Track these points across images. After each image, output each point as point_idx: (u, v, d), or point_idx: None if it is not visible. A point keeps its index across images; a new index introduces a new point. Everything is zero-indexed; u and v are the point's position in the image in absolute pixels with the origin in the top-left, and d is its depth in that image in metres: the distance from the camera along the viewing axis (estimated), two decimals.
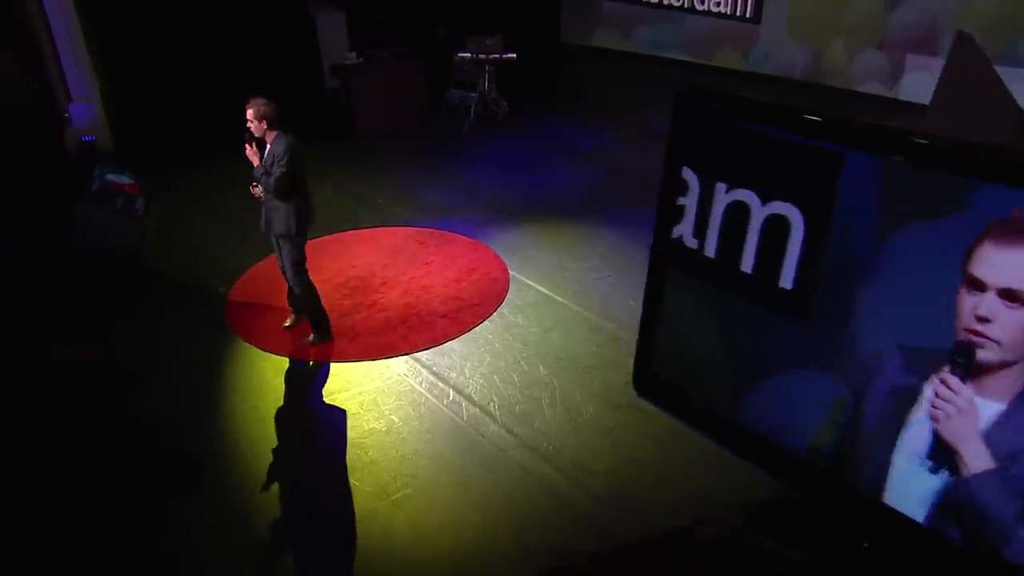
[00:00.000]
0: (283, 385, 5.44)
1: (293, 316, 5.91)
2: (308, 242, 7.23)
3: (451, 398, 5.18)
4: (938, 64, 9.25)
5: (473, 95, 9.59)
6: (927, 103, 9.26)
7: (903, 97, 9.64)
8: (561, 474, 4.52)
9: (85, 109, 9.20)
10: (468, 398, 5.16)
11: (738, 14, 10.01)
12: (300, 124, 10.07)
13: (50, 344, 5.61)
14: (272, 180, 5.18)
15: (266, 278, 6.66)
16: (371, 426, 4.96)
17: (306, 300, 5.66)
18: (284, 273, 5.65)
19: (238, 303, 6.37)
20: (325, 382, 5.45)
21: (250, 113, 5.14)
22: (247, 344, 5.84)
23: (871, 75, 9.86)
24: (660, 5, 11.08)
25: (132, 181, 7.64)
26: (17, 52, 7.98)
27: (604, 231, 7.23)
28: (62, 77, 8.98)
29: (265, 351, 5.75)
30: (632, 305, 6.02)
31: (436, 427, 4.94)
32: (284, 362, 5.66)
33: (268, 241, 5.67)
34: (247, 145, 5.23)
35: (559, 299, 6.22)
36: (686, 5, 10.59)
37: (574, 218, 7.52)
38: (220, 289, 6.58)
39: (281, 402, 5.27)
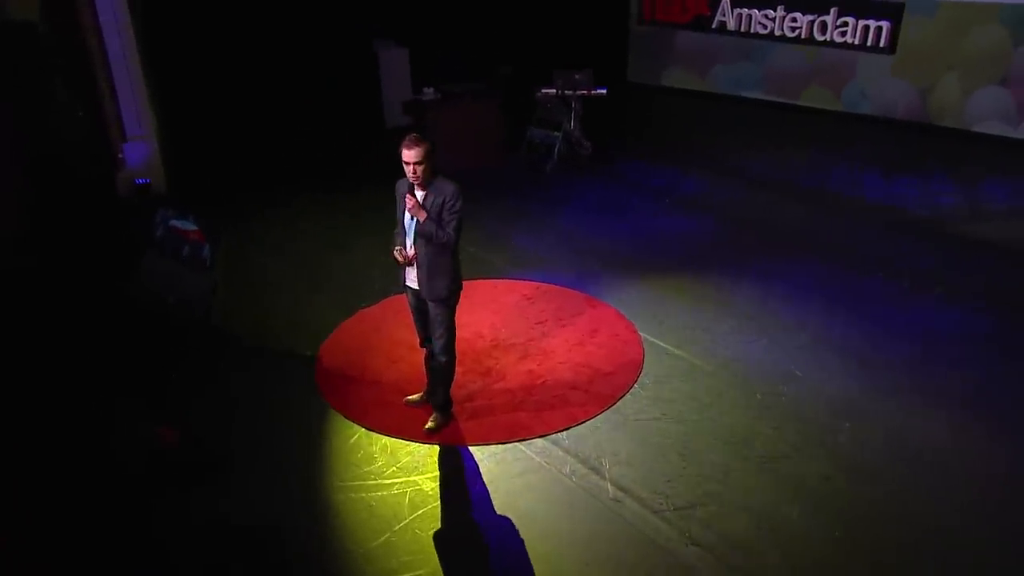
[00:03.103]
0: (399, 473, 4.51)
1: (425, 393, 4.98)
2: (393, 298, 6.46)
3: (610, 494, 4.24)
4: None
5: (557, 134, 8.82)
6: None
7: None
8: None
9: (140, 149, 8.45)
10: (631, 494, 4.22)
11: (869, 44, 9.24)
12: (365, 164, 9.65)
13: (128, 419, 4.72)
14: (446, 232, 4.31)
15: (359, 339, 5.80)
16: (515, 524, 4.03)
17: (449, 373, 4.77)
18: (425, 342, 4.79)
19: (330, 370, 5.47)
20: (449, 471, 4.53)
21: (414, 154, 4.22)
22: (348, 421, 4.93)
23: (991, 114, 9.05)
24: (779, 38, 10.22)
25: (197, 228, 6.88)
26: (73, 85, 7.25)
27: (739, 287, 6.33)
28: (117, 114, 8.26)
29: (372, 431, 4.84)
30: (799, 376, 5.13)
31: (597, 531, 4.01)
32: (394, 444, 4.75)
33: (400, 302, 4.82)
34: (408, 196, 4.33)
35: (708, 367, 5.29)
36: (803, 36, 9.82)
37: (698, 271, 6.63)
38: (306, 352, 5.70)
39: (402, 495, 4.34)
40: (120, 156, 8.44)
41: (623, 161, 9.24)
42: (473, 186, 8.65)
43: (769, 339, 5.57)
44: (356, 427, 4.87)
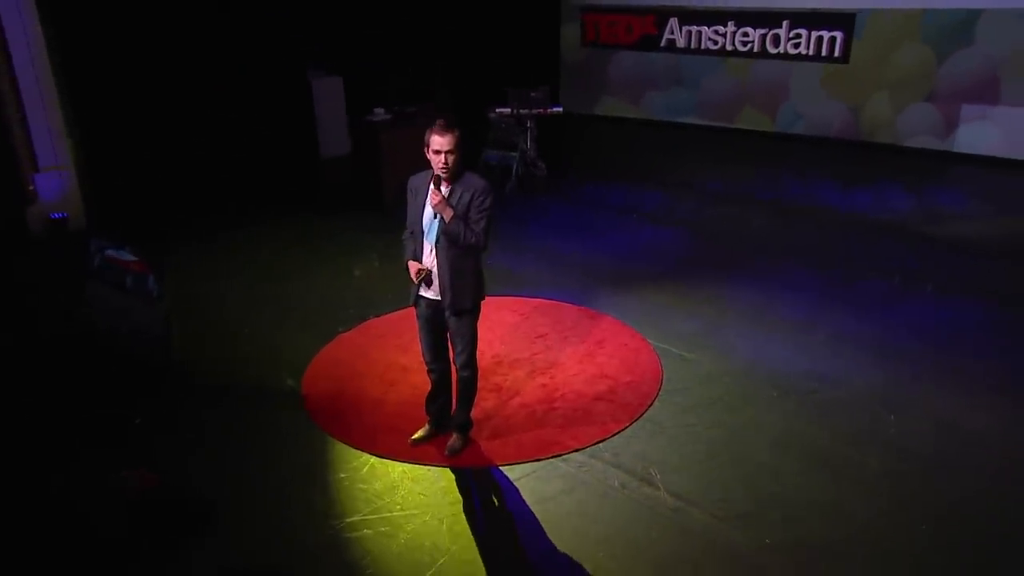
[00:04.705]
0: (427, 500, 3.96)
1: (429, 426, 4.43)
2: (383, 317, 5.93)
3: (669, 505, 3.84)
4: (999, 112, 9.07)
5: (514, 154, 8.56)
6: (987, 153, 9.09)
7: (958, 149, 9.27)
8: None
9: (55, 180, 7.57)
10: (691, 502, 3.84)
11: (824, 54, 9.47)
12: (301, 193, 9.05)
13: (93, 472, 3.96)
14: (475, 232, 3.80)
15: (346, 365, 5.24)
16: (576, 544, 3.57)
17: (473, 389, 4.28)
18: (434, 362, 4.24)
19: (323, 399, 4.86)
20: (485, 494, 4.03)
21: (448, 141, 3.70)
22: (354, 451, 4.34)
23: (921, 129, 9.46)
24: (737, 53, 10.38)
25: (135, 258, 6.14)
26: None
27: (734, 292, 6.14)
28: (28, 142, 7.38)
29: (386, 458, 4.27)
30: (827, 372, 4.94)
31: (664, 544, 3.61)
32: (413, 470, 4.20)
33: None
34: (433, 191, 3.79)
35: (729, 370, 5.02)
36: (755, 50, 10.00)
37: (687, 280, 6.41)
38: (286, 382, 5.07)
39: (438, 523, 3.79)
40: (31, 188, 7.53)
41: (576, 182, 9.06)
42: None
43: (783, 339, 5.38)
44: (365, 456, 4.30)
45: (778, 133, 10.50)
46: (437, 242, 3.89)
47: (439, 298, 3.99)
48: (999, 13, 8.66)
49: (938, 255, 6.72)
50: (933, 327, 5.49)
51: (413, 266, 3.99)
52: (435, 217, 3.85)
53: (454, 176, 3.82)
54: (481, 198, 3.82)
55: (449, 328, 4.09)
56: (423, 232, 3.94)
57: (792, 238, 7.25)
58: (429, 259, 3.95)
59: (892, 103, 9.62)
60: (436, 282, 3.96)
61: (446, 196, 3.82)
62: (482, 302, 4.13)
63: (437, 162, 3.76)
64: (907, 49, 9.31)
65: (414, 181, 3.99)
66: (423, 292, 4.04)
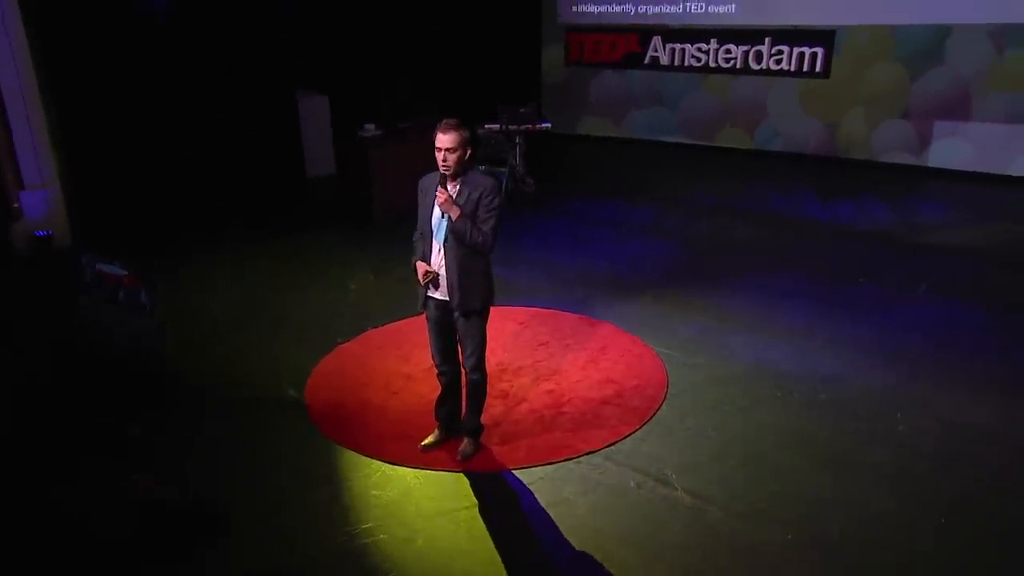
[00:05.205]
0: (443, 506, 3.91)
1: (439, 432, 4.40)
2: (381, 328, 5.90)
3: (687, 504, 3.85)
4: (970, 128, 9.35)
5: (503, 170, 8.60)
6: (959, 168, 9.36)
7: (931, 164, 9.53)
8: None
9: (40, 198, 7.44)
10: (710, 501, 3.85)
11: (805, 69, 9.69)
12: (288, 211, 8.98)
13: (115, 474, 3.86)
14: (482, 231, 3.83)
15: (348, 375, 5.20)
16: (598, 544, 3.56)
17: (483, 393, 4.25)
18: (443, 365, 4.23)
19: (326, 409, 4.80)
20: (503, 497, 3.99)
21: (448, 140, 3.75)
22: (363, 459, 4.29)
23: (896, 145, 9.71)
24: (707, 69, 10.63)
25: (126, 272, 6.06)
26: None
27: (730, 299, 6.19)
28: (13, 159, 7.26)
29: (397, 465, 4.23)
30: (830, 374, 5.01)
31: (684, 540, 3.61)
32: (424, 475, 4.16)
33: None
34: (440, 190, 3.83)
35: (733, 373, 5.06)
36: (738, 66, 10.19)
37: (682, 287, 6.45)
38: (287, 392, 5.01)
39: (456, 528, 3.75)
40: (16, 206, 7.40)
41: (564, 197, 9.13)
42: None
43: (783, 343, 5.44)
44: (375, 463, 4.26)
45: (757, 150, 10.70)
46: (445, 242, 3.90)
47: (447, 299, 3.99)
48: (968, 30, 8.95)
49: (925, 262, 6.86)
50: (928, 329, 5.59)
51: (421, 267, 4.00)
52: (443, 217, 3.87)
53: (457, 175, 3.85)
54: (490, 197, 3.85)
55: (458, 330, 4.08)
56: (432, 232, 3.95)
57: (780, 248, 7.36)
58: (437, 259, 3.96)
59: (867, 120, 9.87)
60: (444, 283, 3.96)
61: (454, 195, 3.85)
62: (491, 305, 4.13)
63: (440, 160, 3.80)
64: (881, 67, 9.58)
65: (424, 181, 4.02)
66: (431, 293, 4.04)
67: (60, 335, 5.06)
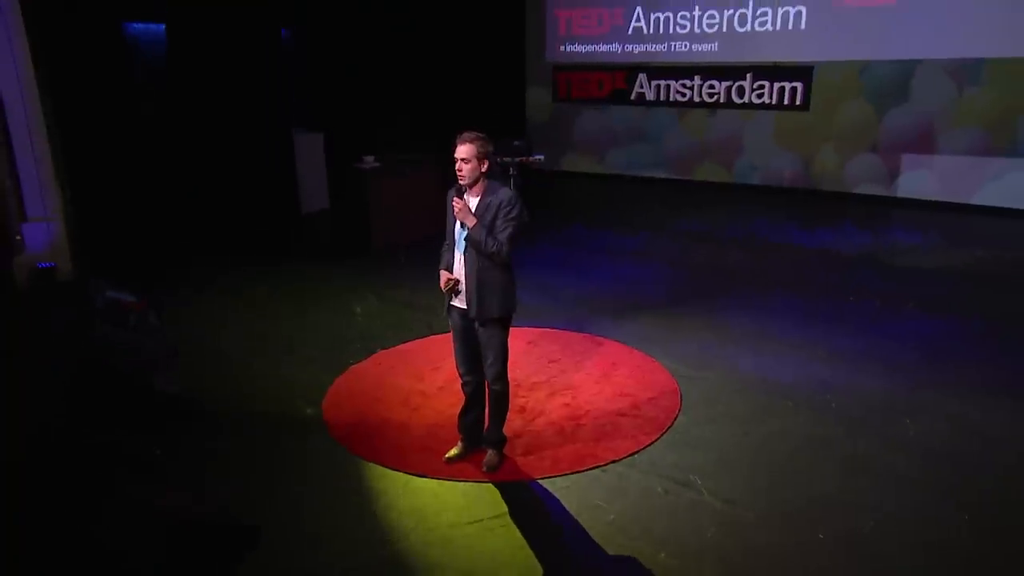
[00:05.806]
0: (479, 515, 4.00)
1: (462, 444, 4.49)
2: (392, 350, 6.00)
3: (716, 507, 4.00)
4: (938, 161, 9.85)
5: None
6: (926, 197, 9.84)
7: (900, 195, 10.01)
8: None
9: (42, 230, 7.45)
10: (738, 504, 4.00)
11: (786, 102, 10.15)
12: (283, 246, 9.06)
13: (146, 494, 3.88)
14: (498, 240, 3.94)
15: (364, 393, 5.29)
16: (636, 547, 3.69)
17: (505, 404, 4.36)
18: (467, 375, 4.33)
19: (346, 426, 4.87)
20: (534, 506, 4.09)
21: (464, 150, 3.89)
22: (391, 474, 4.37)
23: (867, 177, 10.18)
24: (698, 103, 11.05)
25: (134, 298, 6.12)
26: None
27: (730, 318, 6.43)
28: (18, 192, 7.29)
29: (425, 477, 4.31)
30: (838, 383, 5.22)
31: (718, 542, 3.74)
32: (452, 487, 4.25)
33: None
34: (455, 199, 4.00)
35: (743, 385, 5.25)
36: (721, 100, 10.64)
37: (683, 308, 6.68)
38: (304, 411, 5.08)
39: (494, 537, 3.83)
40: (19, 238, 7.40)
41: (557, 227, 9.38)
42: (418, 255, 8.49)
43: (785, 356, 5.66)
44: (400, 475, 4.33)
45: (736, 184, 11.13)
46: (465, 251, 4.05)
47: (467, 307, 4.12)
48: (931, 66, 9.48)
49: (906, 281, 7.21)
50: (920, 341, 5.87)
51: (443, 275, 4.15)
52: (463, 227, 4.03)
53: (473, 184, 3.99)
54: (508, 207, 3.97)
55: (480, 339, 4.20)
56: (455, 242, 4.11)
57: (770, 271, 7.67)
58: (459, 268, 4.10)
59: (839, 154, 10.35)
60: (464, 291, 4.11)
61: (472, 206, 4.01)
62: (511, 315, 4.23)
63: (457, 170, 3.97)
64: (851, 104, 10.09)
65: (452, 192, 4.16)
66: (454, 302, 4.18)
67: (79, 361, 5.10)
